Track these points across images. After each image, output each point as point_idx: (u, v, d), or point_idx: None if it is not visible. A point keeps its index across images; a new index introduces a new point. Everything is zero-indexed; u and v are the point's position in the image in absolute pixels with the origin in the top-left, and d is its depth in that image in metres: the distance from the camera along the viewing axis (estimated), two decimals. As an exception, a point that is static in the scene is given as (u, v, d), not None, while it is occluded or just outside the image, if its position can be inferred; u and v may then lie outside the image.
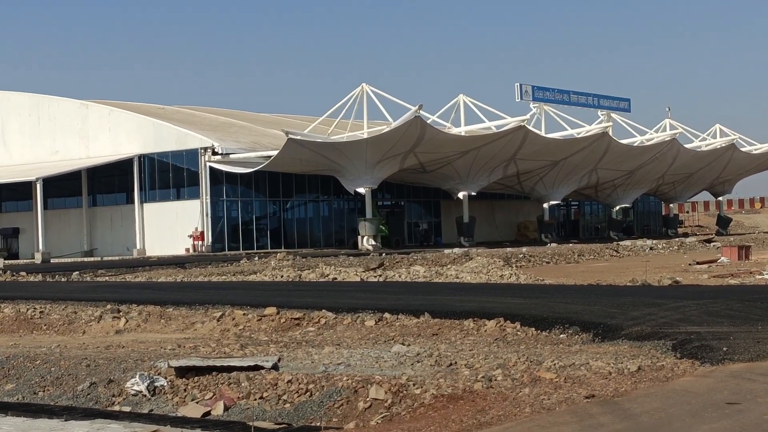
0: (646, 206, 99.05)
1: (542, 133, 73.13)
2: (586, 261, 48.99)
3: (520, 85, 75.23)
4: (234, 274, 41.33)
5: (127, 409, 15.52)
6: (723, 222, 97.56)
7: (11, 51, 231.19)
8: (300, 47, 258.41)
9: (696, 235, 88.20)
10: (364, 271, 40.04)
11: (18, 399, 17.01)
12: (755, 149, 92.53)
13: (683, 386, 12.24)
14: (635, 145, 79.94)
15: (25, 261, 65.54)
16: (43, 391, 17.09)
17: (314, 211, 73.91)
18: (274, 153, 62.42)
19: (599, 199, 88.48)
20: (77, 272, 45.49)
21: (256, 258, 51.68)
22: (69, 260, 63.22)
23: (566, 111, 77.93)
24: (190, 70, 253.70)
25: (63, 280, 41.84)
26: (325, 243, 71.02)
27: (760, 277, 31.44)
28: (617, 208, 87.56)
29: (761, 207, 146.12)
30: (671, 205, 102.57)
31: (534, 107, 75.26)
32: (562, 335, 18.65)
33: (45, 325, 25.50)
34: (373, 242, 64.27)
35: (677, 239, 74.20)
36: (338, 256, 51.90)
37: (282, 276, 39.15)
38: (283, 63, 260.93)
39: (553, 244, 66.53)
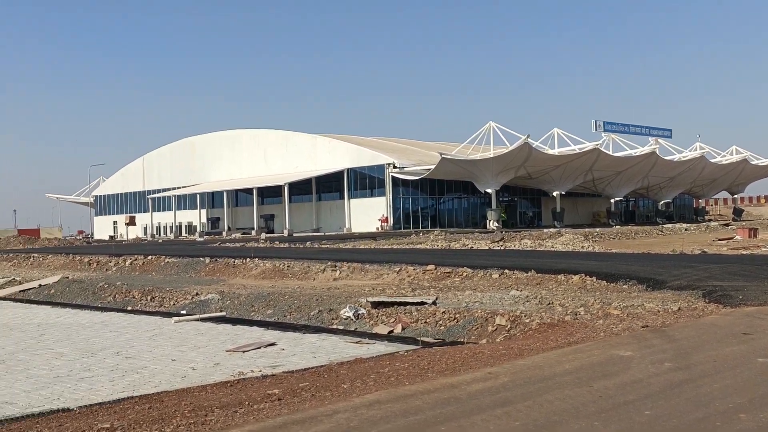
0: (683, 201, 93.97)
1: (610, 152, 70.53)
2: (640, 238, 46.98)
3: (595, 121, 72.73)
4: (407, 244, 41.56)
5: (341, 327, 15.87)
6: (737, 212, 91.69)
7: (270, 105, 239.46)
8: (450, 99, 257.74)
9: (717, 221, 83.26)
10: (490, 243, 39.65)
11: (275, 319, 17.64)
12: (761, 163, 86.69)
13: (711, 321, 11.62)
14: (675, 160, 76.11)
15: (277, 234, 67.59)
16: (290, 315, 17.64)
17: (458, 204, 73.46)
18: (433, 167, 62.36)
19: (649, 196, 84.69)
20: (309, 242, 46.54)
21: (421, 234, 51.84)
22: (304, 234, 64.90)
23: (627, 138, 75.01)
24: (382, 113, 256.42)
25: (300, 246, 42.90)
26: (465, 224, 70.50)
27: (765, 249, 29.52)
28: (662, 202, 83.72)
29: (765, 202, 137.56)
30: (700, 200, 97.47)
31: (604, 135, 72.62)
32: (624, 286, 18.00)
33: (290, 274, 26.27)
34: (497, 224, 63.37)
35: (704, 224, 70.56)
36: (473, 233, 51.48)
37: (437, 245, 39.18)
38: (441, 108, 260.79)
39: (618, 227, 64.20)
